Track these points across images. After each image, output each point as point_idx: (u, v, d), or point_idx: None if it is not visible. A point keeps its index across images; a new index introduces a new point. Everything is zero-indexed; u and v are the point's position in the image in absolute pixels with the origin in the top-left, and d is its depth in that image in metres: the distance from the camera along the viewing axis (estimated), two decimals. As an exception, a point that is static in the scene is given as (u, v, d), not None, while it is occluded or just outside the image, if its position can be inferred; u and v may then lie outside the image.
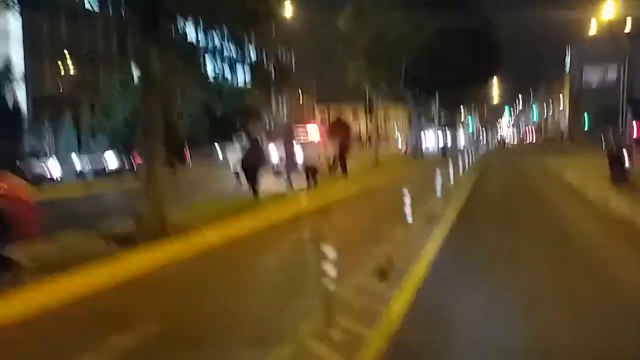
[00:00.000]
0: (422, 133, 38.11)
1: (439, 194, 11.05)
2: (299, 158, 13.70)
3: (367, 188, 15.83)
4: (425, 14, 19.68)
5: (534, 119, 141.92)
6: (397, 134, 73.88)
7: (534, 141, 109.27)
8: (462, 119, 79.49)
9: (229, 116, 31.16)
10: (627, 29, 43.47)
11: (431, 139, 46.13)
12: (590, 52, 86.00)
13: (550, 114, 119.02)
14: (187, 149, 25.71)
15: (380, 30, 20.22)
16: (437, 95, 34.31)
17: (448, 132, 64.79)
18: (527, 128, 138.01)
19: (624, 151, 12.36)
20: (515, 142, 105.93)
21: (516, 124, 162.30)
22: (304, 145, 13.79)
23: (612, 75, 79.66)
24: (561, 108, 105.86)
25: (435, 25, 20.72)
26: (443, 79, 26.06)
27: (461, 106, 62.62)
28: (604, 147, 16.22)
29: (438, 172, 11.12)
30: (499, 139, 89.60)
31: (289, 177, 13.71)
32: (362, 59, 21.06)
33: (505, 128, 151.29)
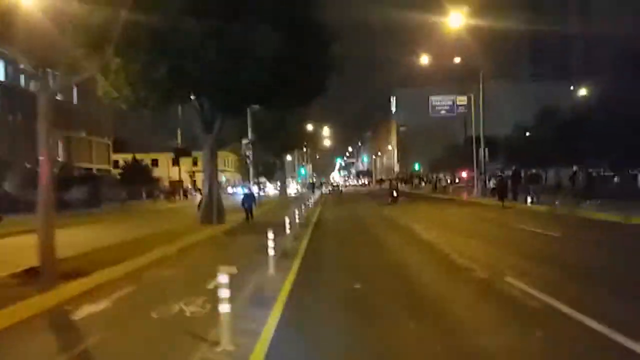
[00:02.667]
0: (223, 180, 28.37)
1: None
2: None
3: None
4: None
5: (364, 162, 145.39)
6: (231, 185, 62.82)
7: (366, 183, 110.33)
8: (293, 167, 74.01)
9: None
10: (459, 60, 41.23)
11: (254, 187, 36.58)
12: (411, 97, 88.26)
13: (379, 156, 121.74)
14: None
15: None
16: (248, 115, 24.57)
17: (269, 181, 57.58)
18: (358, 173, 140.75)
19: (394, 189, 29.99)
20: (349, 186, 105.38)
21: (347, 170, 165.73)
22: None
23: (445, 117, 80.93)
24: (389, 148, 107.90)
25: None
26: (246, 84, 13.68)
27: (290, 152, 55.57)
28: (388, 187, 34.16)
29: None
30: (334, 184, 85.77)
31: None
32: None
33: (337, 174, 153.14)
